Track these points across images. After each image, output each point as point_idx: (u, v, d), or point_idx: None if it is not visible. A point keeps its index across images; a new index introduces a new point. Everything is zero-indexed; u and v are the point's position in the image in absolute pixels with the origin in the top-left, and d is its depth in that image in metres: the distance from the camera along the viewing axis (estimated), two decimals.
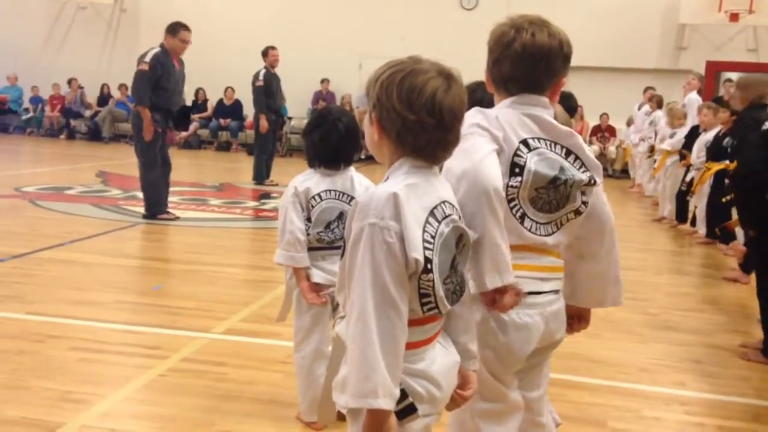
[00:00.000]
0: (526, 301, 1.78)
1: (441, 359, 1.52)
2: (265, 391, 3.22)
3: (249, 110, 13.14)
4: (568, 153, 1.86)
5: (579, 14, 12.80)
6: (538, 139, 1.83)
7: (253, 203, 8.80)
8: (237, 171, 12.06)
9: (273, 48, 10.00)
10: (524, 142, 1.81)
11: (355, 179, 2.86)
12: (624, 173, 13.74)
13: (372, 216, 1.39)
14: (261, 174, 10.20)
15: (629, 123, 12.66)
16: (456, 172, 1.65)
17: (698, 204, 7.72)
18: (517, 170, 1.78)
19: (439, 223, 1.46)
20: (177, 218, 7.22)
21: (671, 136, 8.91)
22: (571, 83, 2.33)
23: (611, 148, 14.21)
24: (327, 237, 2.81)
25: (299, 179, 2.84)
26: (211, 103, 15.79)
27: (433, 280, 1.43)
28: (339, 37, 14.55)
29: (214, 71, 14.57)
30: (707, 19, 12.90)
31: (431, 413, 1.51)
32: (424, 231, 1.42)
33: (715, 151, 7.09)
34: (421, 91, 1.44)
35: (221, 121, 15.55)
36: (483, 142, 1.74)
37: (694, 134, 8.17)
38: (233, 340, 3.88)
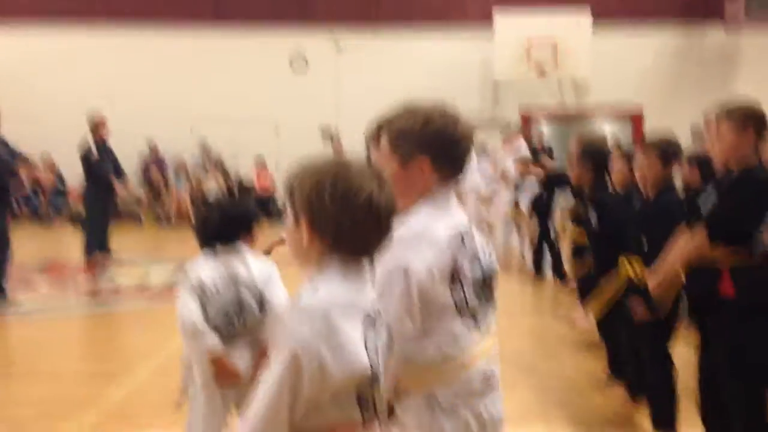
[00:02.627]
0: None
1: None
2: None
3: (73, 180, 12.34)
4: None
5: (408, 71, 13.49)
6: None
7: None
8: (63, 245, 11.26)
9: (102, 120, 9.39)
10: None
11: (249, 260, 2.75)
12: None
13: (297, 338, 1.36)
14: (93, 247, 9.54)
15: None
16: None
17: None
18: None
19: (374, 329, 1.45)
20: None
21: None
22: None
23: None
24: (226, 330, 2.67)
25: (192, 267, 2.71)
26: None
27: (375, 390, 1.42)
28: (168, 99, 14.15)
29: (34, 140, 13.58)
30: (518, 75, 13.93)
31: None
32: (365, 341, 1.41)
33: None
34: (357, 193, 1.43)
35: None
36: None
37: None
38: None
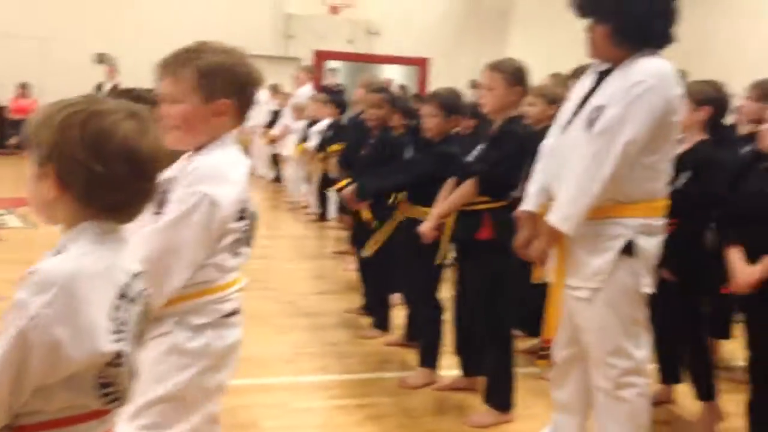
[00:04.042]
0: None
1: None
2: None
3: None
4: None
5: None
6: None
7: None
8: None
9: None
10: None
11: None
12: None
13: (29, 314, 1.12)
14: None
15: None
16: None
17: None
18: (242, 215, 1.84)
19: (128, 299, 1.25)
20: None
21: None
22: None
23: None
24: None
25: None
26: None
27: (121, 372, 1.24)
28: None
29: None
30: (311, 11, 13.79)
31: None
32: (115, 317, 1.21)
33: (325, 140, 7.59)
34: (111, 136, 1.20)
35: None
36: None
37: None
38: None
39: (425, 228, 3.33)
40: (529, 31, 13.79)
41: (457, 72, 11.81)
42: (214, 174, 1.75)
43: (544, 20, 12.37)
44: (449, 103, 3.56)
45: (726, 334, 4.07)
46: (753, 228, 2.77)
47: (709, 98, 3.20)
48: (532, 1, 13.88)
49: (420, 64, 14.65)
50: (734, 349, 3.88)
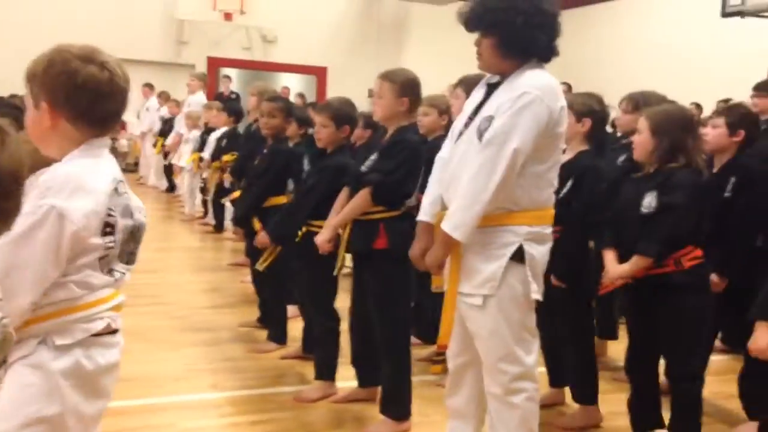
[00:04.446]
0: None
1: None
2: None
3: None
4: None
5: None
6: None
7: None
8: None
9: None
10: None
11: None
12: (136, 166, 13.56)
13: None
14: None
15: (138, 115, 12.52)
16: None
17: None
18: (108, 229, 1.69)
19: None
20: None
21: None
22: None
23: (123, 141, 13.87)
24: None
25: None
26: None
27: None
28: None
29: None
30: (204, 17, 13.48)
31: None
32: None
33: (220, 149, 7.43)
34: None
35: None
36: None
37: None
38: None
39: (321, 239, 3.29)
40: (426, 40, 14.03)
41: (355, 81, 11.86)
42: (66, 185, 1.61)
43: (440, 30, 12.62)
44: (341, 114, 3.53)
45: (613, 335, 4.25)
46: (625, 232, 2.91)
47: (592, 111, 3.33)
48: (428, 10, 14.14)
49: (319, 72, 14.62)
50: (620, 350, 4.04)
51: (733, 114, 3.42)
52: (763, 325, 2.34)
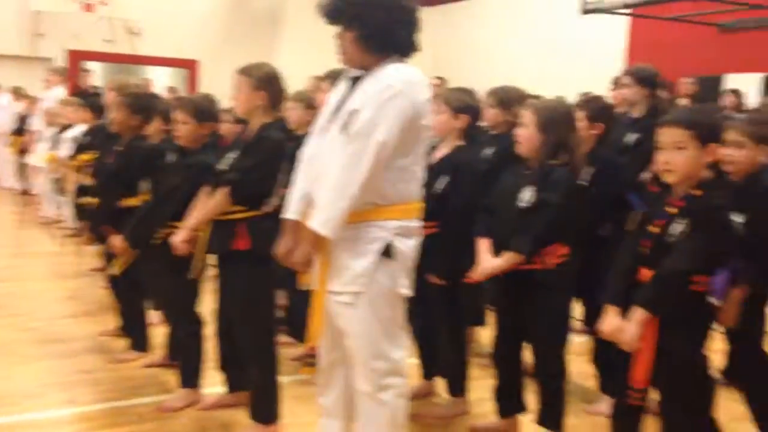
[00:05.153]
0: None
1: None
2: None
3: None
4: None
5: None
6: None
7: None
8: None
9: None
10: None
11: None
12: None
13: None
14: None
15: None
16: None
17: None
18: None
19: None
20: None
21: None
22: None
23: None
24: None
25: None
26: None
27: None
28: None
29: None
30: (62, 8, 12.71)
31: None
32: None
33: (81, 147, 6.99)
34: None
35: None
36: None
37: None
38: None
39: (177, 240, 3.13)
40: (299, 33, 13.82)
41: (229, 74, 11.46)
42: None
43: (313, 23, 12.48)
44: (201, 110, 3.39)
45: (481, 321, 4.30)
46: (501, 223, 2.93)
47: (467, 106, 3.34)
48: (304, 2, 13.94)
49: (189, 65, 14.11)
50: (488, 336, 4.11)
51: (591, 107, 3.53)
52: (611, 309, 2.43)
